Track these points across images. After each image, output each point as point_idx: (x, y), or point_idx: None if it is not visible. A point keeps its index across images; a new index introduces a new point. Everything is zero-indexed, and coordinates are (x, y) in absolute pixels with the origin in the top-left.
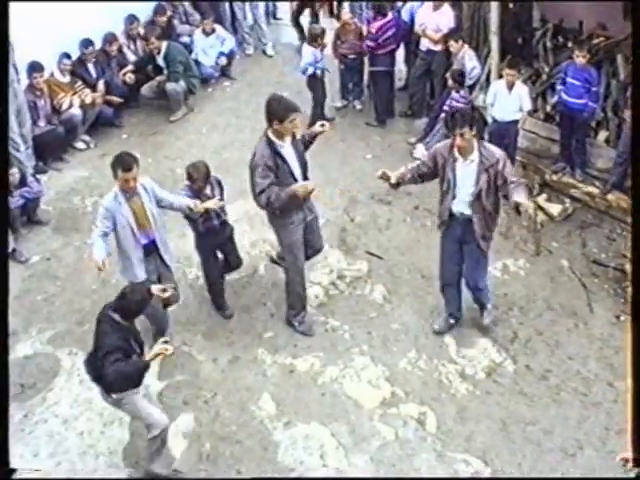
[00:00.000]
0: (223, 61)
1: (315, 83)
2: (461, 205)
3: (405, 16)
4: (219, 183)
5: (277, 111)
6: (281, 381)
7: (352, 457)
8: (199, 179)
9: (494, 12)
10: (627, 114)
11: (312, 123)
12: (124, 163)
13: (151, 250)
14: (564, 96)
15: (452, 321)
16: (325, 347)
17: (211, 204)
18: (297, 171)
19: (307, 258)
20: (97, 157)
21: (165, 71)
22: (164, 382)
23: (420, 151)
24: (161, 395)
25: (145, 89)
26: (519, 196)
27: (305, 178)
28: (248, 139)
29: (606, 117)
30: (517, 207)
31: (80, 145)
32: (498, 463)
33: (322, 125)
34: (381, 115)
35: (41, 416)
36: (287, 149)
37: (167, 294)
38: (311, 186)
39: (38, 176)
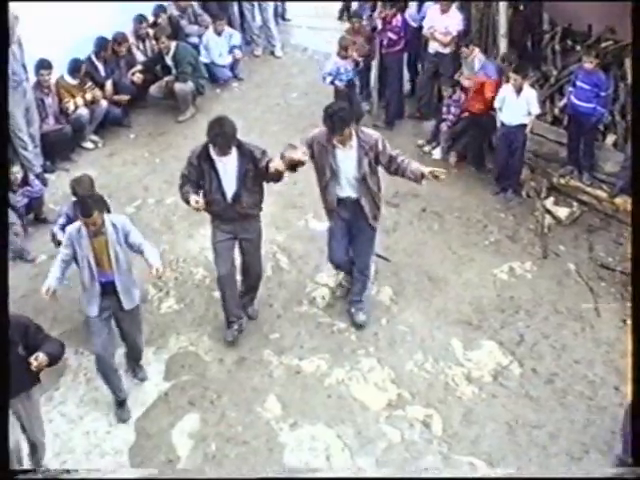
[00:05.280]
0: (238, 54)
1: (338, 94)
2: (347, 189)
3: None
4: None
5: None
6: (287, 382)
7: (358, 459)
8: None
9: (502, 15)
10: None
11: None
12: (83, 209)
13: (109, 290)
14: (573, 99)
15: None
16: (331, 349)
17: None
18: (229, 189)
19: (245, 278)
20: (105, 157)
21: (174, 71)
22: (170, 382)
23: (438, 153)
24: (167, 395)
25: (154, 89)
26: (415, 165)
27: (237, 196)
28: (256, 140)
29: (614, 121)
30: (422, 175)
31: (88, 145)
32: (504, 466)
33: (272, 167)
34: (391, 117)
35: (47, 416)
36: (225, 164)
37: (34, 364)
38: (199, 205)
39: (46, 175)
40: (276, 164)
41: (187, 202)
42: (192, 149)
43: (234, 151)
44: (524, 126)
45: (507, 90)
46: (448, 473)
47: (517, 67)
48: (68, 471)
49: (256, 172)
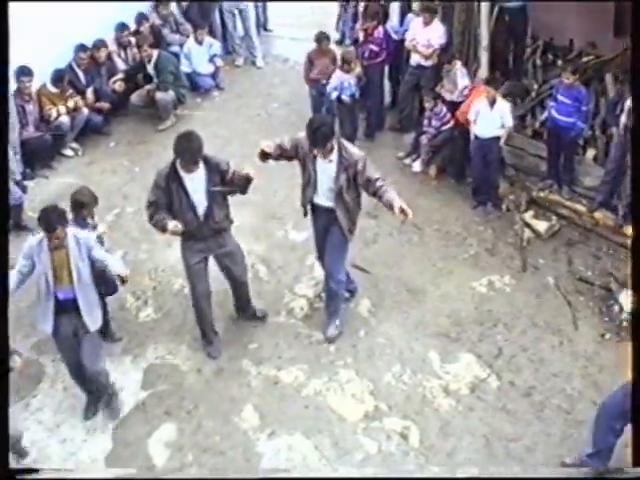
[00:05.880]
0: (219, 62)
1: (342, 109)
2: (324, 199)
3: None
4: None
5: (177, 151)
6: (265, 392)
7: (335, 470)
8: (90, 203)
9: (484, 28)
10: (615, 132)
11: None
12: (46, 224)
13: (69, 308)
14: (554, 113)
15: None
16: (309, 360)
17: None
18: (200, 205)
19: (234, 289)
20: (84, 165)
21: (155, 80)
22: (147, 391)
23: (418, 166)
24: (144, 404)
25: (135, 97)
26: (390, 195)
27: (209, 211)
28: (237, 150)
29: (594, 135)
30: (391, 207)
31: (68, 152)
32: None
33: (246, 172)
34: (372, 129)
35: (24, 423)
36: (194, 181)
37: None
38: (179, 230)
39: (26, 183)
40: (249, 170)
41: (163, 229)
42: (157, 171)
43: (201, 166)
44: (498, 138)
45: (481, 103)
46: None
47: (489, 80)
48: (68, 470)
49: (224, 185)
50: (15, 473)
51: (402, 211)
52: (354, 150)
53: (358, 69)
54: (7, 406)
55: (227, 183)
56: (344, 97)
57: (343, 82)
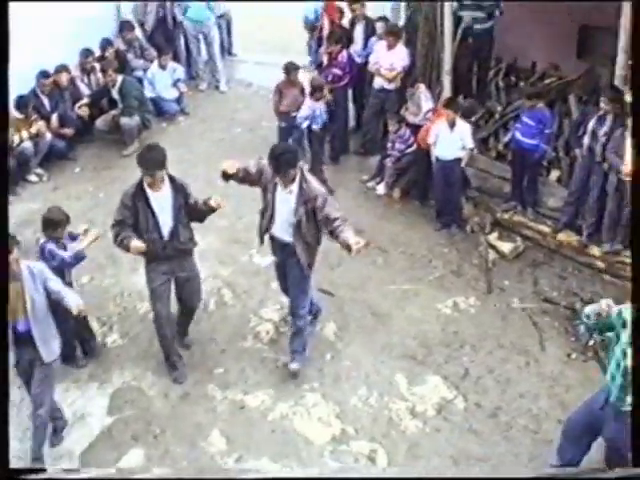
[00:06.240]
0: (182, 87)
1: (312, 138)
2: (282, 232)
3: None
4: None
5: (140, 162)
6: (231, 417)
7: None
8: (62, 222)
9: (448, 51)
10: (579, 153)
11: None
12: None
13: (26, 339)
14: (517, 135)
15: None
16: (276, 384)
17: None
18: (165, 225)
19: (183, 313)
20: (49, 190)
21: (120, 105)
22: (114, 417)
23: (382, 188)
24: (110, 430)
25: (99, 123)
26: (346, 234)
27: (175, 232)
28: (202, 174)
29: (558, 156)
30: (348, 247)
31: (32, 178)
32: None
33: (214, 201)
34: (336, 152)
35: None
36: (160, 200)
37: None
38: (142, 248)
39: None
40: (216, 200)
41: (127, 249)
42: (124, 191)
43: (167, 185)
44: (459, 160)
45: (440, 125)
46: None
47: (448, 101)
48: (68, 471)
49: (187, 207)
50: (15, 473)
51: (358, 245)
52: (315, 185)
53: (328, 96)
54: (7, 406)
55: (190, 207)
56: (314, 127)
57: (315, 110)
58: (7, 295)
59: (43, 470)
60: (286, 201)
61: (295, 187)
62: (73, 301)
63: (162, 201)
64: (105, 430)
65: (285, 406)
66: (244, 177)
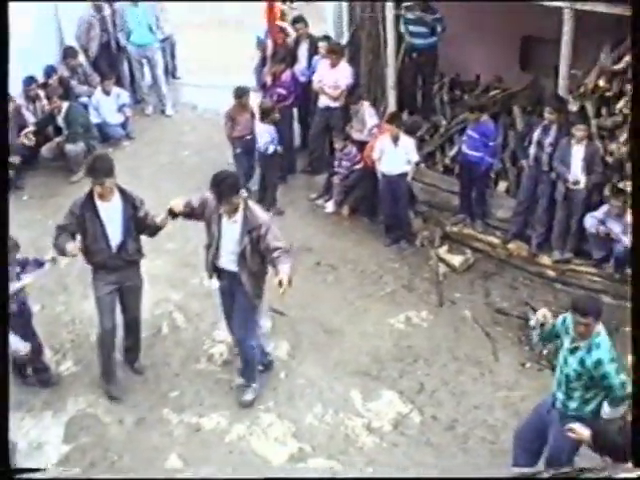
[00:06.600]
0: (127, 112)
1: (273, 162)
2: (228, 262)
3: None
4: None
5: (89, 170)
6: (188, 440)
7: None
8: (13, 250)
9: (391, 67)
10: (525, 164)
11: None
12: None
13: None
14: (463, 148)
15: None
16: (231, 405)
17: None
18: (114, 236)
19: (128, 329)
20: None
21: (65, 132)
22: (70, 445)
23: (330, 206)
24: (67, 458)
25: (45, 150)
26: (283, 266)
27: (123, 243)
28: (149, 198)
29: (505, 167)
30: (280, 281)
31: None
32: None
33: (160, 220)
34: (283, 172)
35: None
36: (109, 210)
37: None
38: (76, 251)
39: None
40: (162, 219)
41: (63, 252)
42: (73, 200)
43: (117, 196)
44: (405, 175)
45: (384, 141)
46: None
47: (391, 116)
48: (68, 471)
49: (136, 219)
50: (15, 473)
51: (281, 283)
52: (259, 213)
53: (277, 116)
54: (7, 406)
55: (139, 220)
56: (279, 148)
57: (271, 133)
58: (7, 296)
59: (43, 470)
60: (231, 231)
61: (239, 216)
62: (18, 347)
63: (111, 212)
64: (62, 458)
65: (241, 427)
66: (189, 213)
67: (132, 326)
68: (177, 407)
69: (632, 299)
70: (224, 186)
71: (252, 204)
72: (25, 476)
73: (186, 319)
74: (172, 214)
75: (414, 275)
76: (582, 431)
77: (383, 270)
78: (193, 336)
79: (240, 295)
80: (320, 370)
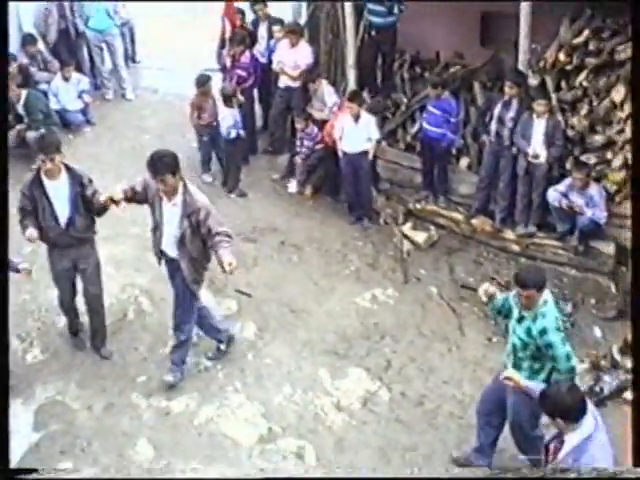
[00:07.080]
0: (87, 98)
1: (235, 146)
2: (168, 246)
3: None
4: None
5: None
6: (157, 424)
7: None
8: None
9: (351, 46)
10: (487, 139)
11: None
12: None
13: None
14: (425, 125)
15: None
16: (199, 387)
17: None
18: (62, 213)
19: (87, 304)
20: None
21: (25, 120)
22: (40, 432)
23: (293, 186)
24: (37, 446)
25: None
26: (222, 252)
27: (71, 220)
28: (111, 183)
29: (466, 143)
30: (221, 265)
31: None
32: None
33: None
34: (245, 153)
35: None
36: (56, 188)
37: None
38: (34, 238)
39: None
40: (105, 200)
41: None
42: (23, 181)
43: (64, 174)
44: (366, 152)
45: (345, 119)
46: None
47: (352, 95)
48: (68, 471)
49: (84, 197)
50: (15, 473)
51: (231, 267)
52: (199, 196)
53: (241, 98)
54: (7, 406)
55: (86, 198)
56: (241, 132)
57: (235, 117)
58: (7, 295)
59: (42, 470)
60: (172, 215)
61: (179, 200)
62: None
63: (58, 190)
64: (33, 446)
65: (210, 409)
66: (132, 197)
67: (94, 306)
68: (145, 391)
69: (632, 298)
70: (160, 164)
71: (192, 187)
72: (25, 476)
73: (152, 303)
74: (113, 202)
75: (379, 253)
76: (516, 376)
77: (348, 249)
78: (159, 320)
79: (177, 282)
80: (288, 350)
